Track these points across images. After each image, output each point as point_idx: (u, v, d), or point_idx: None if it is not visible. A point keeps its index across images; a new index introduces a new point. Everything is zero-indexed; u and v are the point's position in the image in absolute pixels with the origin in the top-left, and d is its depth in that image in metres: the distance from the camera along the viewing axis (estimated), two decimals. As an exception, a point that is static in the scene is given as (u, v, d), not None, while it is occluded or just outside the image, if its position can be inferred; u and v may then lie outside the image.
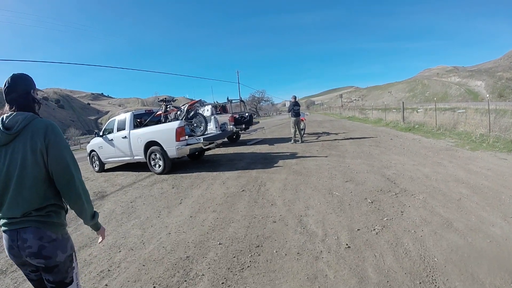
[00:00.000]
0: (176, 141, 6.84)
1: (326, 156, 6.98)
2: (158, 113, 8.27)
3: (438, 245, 2.65)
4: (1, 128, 1.35)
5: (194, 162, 8.67)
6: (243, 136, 14.00)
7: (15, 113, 1.40)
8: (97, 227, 1.63)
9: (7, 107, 1.44)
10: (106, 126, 8.89)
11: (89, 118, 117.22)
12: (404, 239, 2.82)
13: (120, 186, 6.66)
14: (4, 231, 1.41)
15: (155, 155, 7.30)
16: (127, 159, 8.06)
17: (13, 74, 1.44)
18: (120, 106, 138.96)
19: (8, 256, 1.44)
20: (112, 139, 8.22)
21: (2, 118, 1.38)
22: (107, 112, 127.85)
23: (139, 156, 7.64)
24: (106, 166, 9.33)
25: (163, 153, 7.09)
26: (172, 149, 6.92)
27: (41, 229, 1.38)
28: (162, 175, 7.18)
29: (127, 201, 5.26)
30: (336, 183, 4.78)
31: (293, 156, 7.65)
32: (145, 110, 8.87)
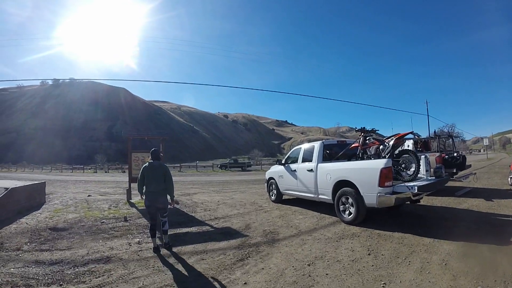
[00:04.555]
0: (379, 186, 5.00)
1: None
2: (354, 145, 6.75)
3: None
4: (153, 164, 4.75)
5: (390, 212, 6.48)
6: (448, 182, 10.34)
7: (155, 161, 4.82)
8: (172, 197, 4.81)
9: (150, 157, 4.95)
10: (290, 154, 8.31)
11: (272, 142, 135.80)
12: None
13: (296, 230, 5.52)
14: (148, 194, 4.57)
15: (347, 199, 5.67)
16: (309, 196, 6.92)
17: (155, 149, 4.92)
18: (302, 133, 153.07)
19: (147, 204, 4.62)
20: (295, 170, 7.42)
21: (151, 162, 4.78)
22: (290, 138, 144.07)
23: (325, 196, 6.29)
24: (284, 197, 8.65)
25: (358, 198, 5.37)
26: (372, 196, 5.10)
27: (164, 195, 4.67)
28: (351, 226, 5.47)
29: (303, 260, 4.00)
30: None
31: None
32: (337, 141, 7.60)
